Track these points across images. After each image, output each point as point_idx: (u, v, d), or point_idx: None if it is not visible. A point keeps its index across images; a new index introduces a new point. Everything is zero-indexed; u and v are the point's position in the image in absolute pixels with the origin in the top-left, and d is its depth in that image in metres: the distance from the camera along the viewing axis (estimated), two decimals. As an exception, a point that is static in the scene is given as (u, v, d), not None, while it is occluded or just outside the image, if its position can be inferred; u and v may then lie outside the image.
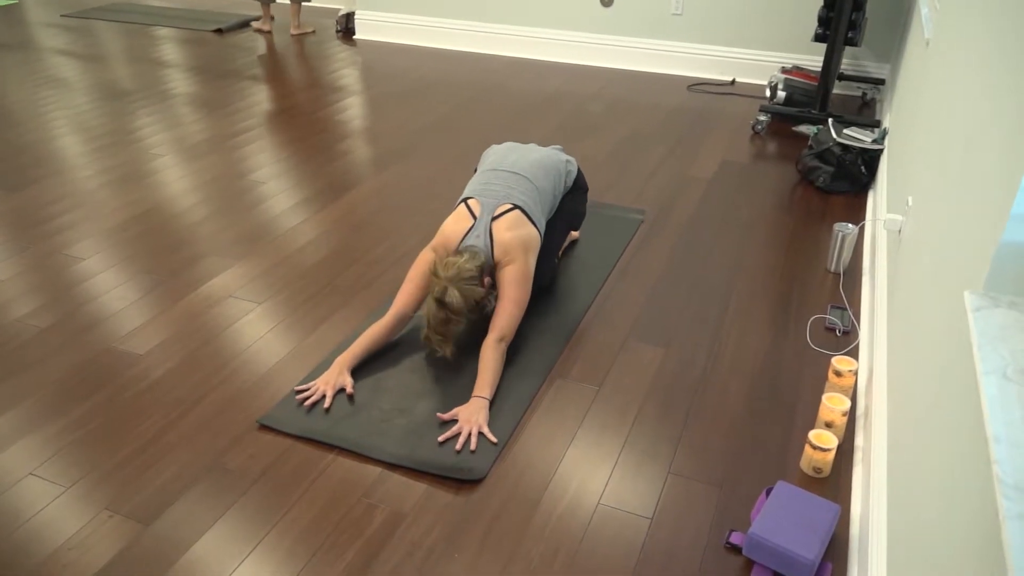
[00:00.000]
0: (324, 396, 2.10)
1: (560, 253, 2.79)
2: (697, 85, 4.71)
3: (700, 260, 2.81)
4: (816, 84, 4.03)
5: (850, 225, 2.66)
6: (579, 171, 2.64)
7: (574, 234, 2.92)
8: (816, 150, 3.39)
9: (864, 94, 4.39)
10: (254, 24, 5.81)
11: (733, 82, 4.73)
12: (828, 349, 2.32)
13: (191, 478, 1.85)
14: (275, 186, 3.36)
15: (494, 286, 2.25)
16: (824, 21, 3.77)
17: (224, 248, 2.85)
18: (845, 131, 3.38)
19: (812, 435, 1.83)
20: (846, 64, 4.52)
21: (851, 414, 2.02)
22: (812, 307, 2.53)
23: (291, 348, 2.32)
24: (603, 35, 4.99)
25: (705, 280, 2.68)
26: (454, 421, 2.03)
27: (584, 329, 2.41)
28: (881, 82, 4.34)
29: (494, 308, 2.25)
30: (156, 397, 2.11)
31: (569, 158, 2.61)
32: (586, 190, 2.65)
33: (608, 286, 2.64)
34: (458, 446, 1.94)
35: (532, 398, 2.12)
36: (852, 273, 2.73)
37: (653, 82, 4.74)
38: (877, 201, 3.02)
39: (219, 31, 5.81)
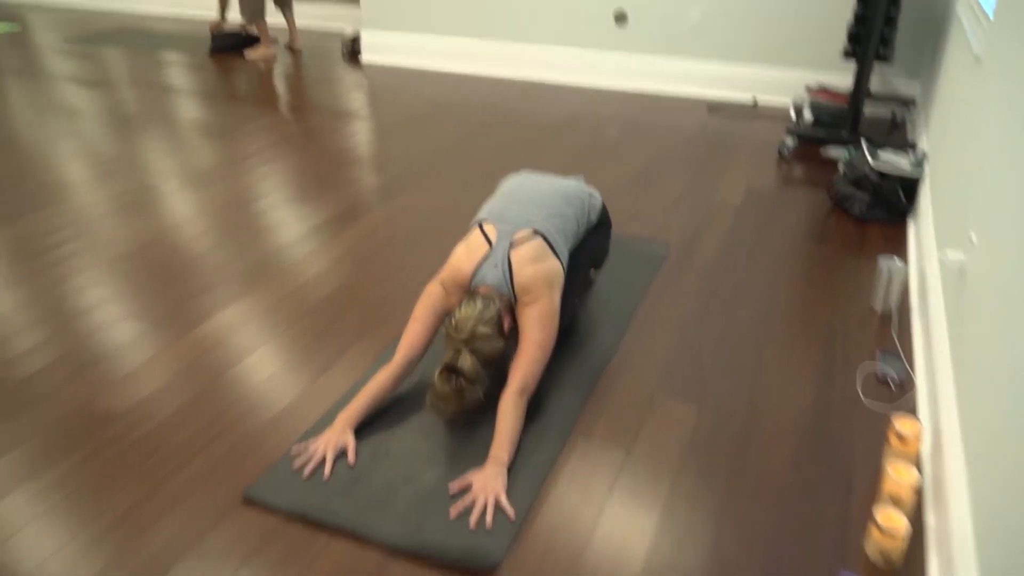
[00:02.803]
0: (324, 460, 1.88)
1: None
2: (718, 107, 4.49)
3: (731, 298, 2.57)
4: (844, 104, 3.81)
5: (898, 261, 2.43)
6: (603, 206, 2.42)
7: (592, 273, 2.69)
8: (850, 176, 3.16)
9: (894, 114, 4.16)
10: (251, 54, 5.61)
11: (755, 104, 4.52)
12: (883, 402, 2.08)
13: (169, 559, 1.62)
14: (280, 216, 3.15)
15: (514, 327, 2.01)
16: (854, 37, 3.56)
17: (228, 282, 2.64)
18: (881, 155, 3.15)
19: (879, 515, 1.59)
20: (873, 82, 4.30)
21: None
22: (859, 352, 2.29)
23: (290, 399, 2.10)
24: (618, 53, 4.79)
25: (737, 321, 2.45)
26: (466, 490, 1.80)
27: (608, 381, 2.18)
28: (912, 101, 4.12)
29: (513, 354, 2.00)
30: (141, 457, 1.89)
31: (593, 191, 2.39)
32: (610, 226, 2.44)
33: (632, 330, 2.41)
34: (473, 520, 1.71)
35: (552, 464, 1.89)
36: (901, 314, 2.49)
37: (671, 104, 4.53)
38: (921, 232, 2.79)
39: (214, 49, 5.65)
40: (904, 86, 4.29)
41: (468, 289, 2.04)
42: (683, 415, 2.06)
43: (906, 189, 3.06)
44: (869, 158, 3.12)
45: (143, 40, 6.10)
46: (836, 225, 3.07)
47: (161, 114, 4.38)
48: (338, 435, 1.92)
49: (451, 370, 1.86)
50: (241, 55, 5.64)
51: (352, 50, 5.60)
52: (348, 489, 1.81)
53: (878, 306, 2.49)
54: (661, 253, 2.86)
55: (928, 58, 4.10)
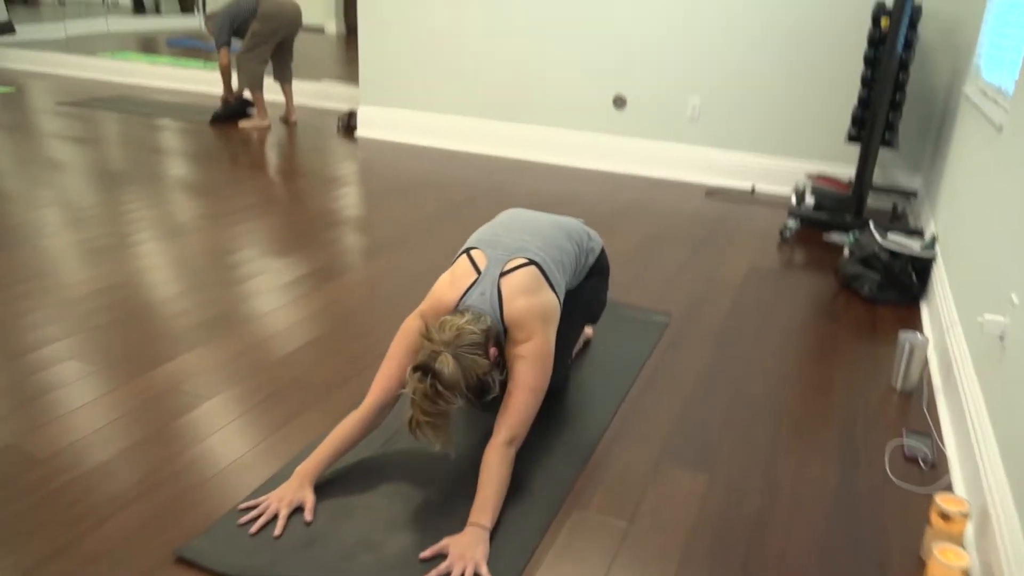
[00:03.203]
0: (276, 516, 1.61)
1: (574, 352, 2.35)
2: (716, 192, 4.42)
3: (738, 371, 2.37)
4: (846, 192, 3.72)
5: (919, 335, 2.25)
6: (603, 250, 2.21)
7: (588, 331, 2.49)
8: (858, 256, 3.02)
9: (895, 206, 4.09)
10: (244, 123, 5.56)
11: (753, 190, 4.45)
12: (914, 484, 1.85)
13: (72, 632, 1.34)
14: (255, 268, 2.95)
15: (502, 361, 1.76)
16: (858, 121, 3.50)
17: (190, 330, 2.41)
18: (889, 236, 3.03)
19: (927, 602, 1.34)
20: (875, 175, 4.24)
21: (962, 572, 1.54)
22: (881, 431, 2.08)
23: (239, 455, 1.84)
24: (615, 137, 4.76)
25: (746, 394, 2.24)
26: (441, 557, 1.54)
27: (605, 448, 1.95)
28: (913, 194, 4.05)
29: (497, 394, 1.72)
30: (64, 505, 1.61)
31: (592, 232, 2.18)
32: (608, 275, 2.23)
33: (632, 398, 2.19)
34: (445, 597, 1.44)
35: (542, 533, 1.63)
36: (922, 393, 2.29)
37: (668, 188, 4.45)
38: (937, 311, 2.62)
39: (214, 119, 5.60)
40: (906, 179, 4.23)
41: None
42: (691, 486, 1.81)
43: (917, 270, 2.91)
44: (878, 237, 2.99)
45: (138, 107, 6.06)
46: (845, 305, 2.91)
47: (145, 171, 4.24)
48: (294, 490, 1.66)
49: (425, 371, 1.56)
50: (235, 125, 5.58)
51: (348, 124, 5.56)
52: (301, 551, 1.54)
53: (897, 384, 2.29)
54: (662, 321, 2.67)
55: (930, 150, 4.06)
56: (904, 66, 3.36)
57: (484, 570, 1.50)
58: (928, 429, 2.09)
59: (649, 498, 1.76)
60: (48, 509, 1.63)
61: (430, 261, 3.14)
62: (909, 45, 3.33)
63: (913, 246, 2.94)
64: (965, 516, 1.53)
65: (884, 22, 3.45)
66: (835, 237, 3.65)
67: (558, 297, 1.86)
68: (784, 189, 4.45)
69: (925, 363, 2.36)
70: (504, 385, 1.75)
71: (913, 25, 3.31)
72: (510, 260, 1.82)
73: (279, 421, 1.99)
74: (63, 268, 2.87)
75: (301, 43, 6.06)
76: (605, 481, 1.82)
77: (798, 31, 4.18)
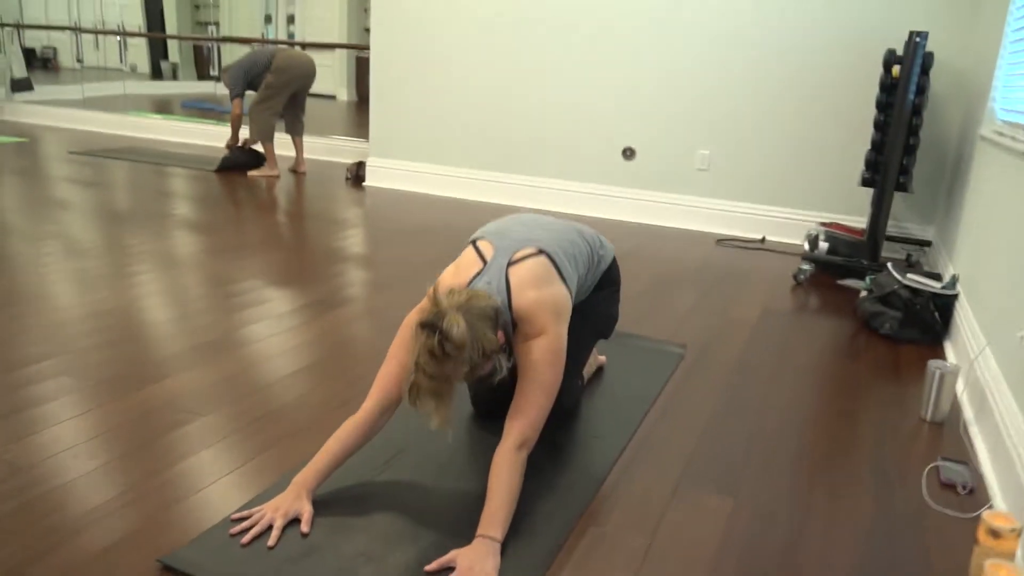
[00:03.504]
0: (271, 527, 1.49)
1: (586, 378, 2.26)
2: (726, 240, 4.37)
3: (758, 403, 2.26)
4: (859, 238, 3.67)
5: (948, 363, 2.15)
6: (615, 260, 2.10)
7: (601, 358, 2.40)
8: (878, 294, 2.94)
9: (909, 256, 4.03)
10: (254, 173, 5.58)
11: (763, 240, 4.40)
12: (954, 510, 1.73)
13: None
14: (255, 297, 2.88)
15: (509, 349, 1.63)
16: (872, 165, 3.48)
17: (183, 353, 2.32)
18: (909, 275, 2.95)
19: (984, 620, 1.21)
20: (887, 227, 4.20)
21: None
22: (916, 460, 1.96)
23: (227, 472, 1.73)
24: (623, 188, 4.74)
25: (768, 425, 2.12)
26: (448, 570, 1.41)
27: (620, 471, 1.83)
28: (927, 244, 4.00)
29: (503, 379, 1.59)
30: (42, 513, 1.50)
31: (604, 239, 2.07)
32: (619, 287, 2.12)
33: (648, 424, 2.08)
34: (451, 609, 1.32)
35: (557, 550, 1.51)
36: (952, 424, 2.18)
37: (677, 236, 4.41)
38: (964, 347, 2.53)
39: (220, 167, 5.62)
40: (919, 231, 4.19)
41: None
42: (716, 508, 1.69)
43: (939, 308, 2.83)
44: (898, 275, 2.92)
45: (148, 156, 6.09)
46: (866, 344, 2.81)
47: (151, 211, 4.21)
48: (291, 501, 1.55)
49: (433, 328, 1.43)
50: (245, 174, 5.60)
51: (357, 175, 5.57)
52: (296, 562, 1.42)
53: (927, 415, 2.18)
54: (678, 352, 2.57)
55: (943, 200, 4.03)
56: (917, 111, 3.35)
57: (495, 584, 1.37)
58: (964, 456, 1.97)
59: (670, 519, 1.64)
60: (24, 518, 1.51)
61: (437, 295, 3.06)
62: (922, 90, 3.33)
63: (934, 284, 2.87)
64: (1017, 533, 1.41)
65: (895, 71, 3.47)
66: (850, 282, 3.58)
67: (570, 292, 1.75)
68: (795, 240, 4.40)
69: (955, 394, 2.25)
70: (513, 372, 1.64)
71: (925, 71, 3.32)
72: (519, 250, 1.72)
73: (271, 440, 1.88)
74: (59, 292, 2.80)
75: (314, 108, 6.14)
76: (622, 502, 1.70)
77: (807, 82, 4.21)
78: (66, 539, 1.45)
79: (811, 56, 4.17)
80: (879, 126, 3.48)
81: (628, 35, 4.53)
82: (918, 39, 3.17)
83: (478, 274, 1.68)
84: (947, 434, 2.12)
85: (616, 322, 2.12)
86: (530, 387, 1.61)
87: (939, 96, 3.99)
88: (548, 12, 4.68)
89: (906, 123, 3.28)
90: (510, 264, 1.68)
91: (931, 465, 1.91)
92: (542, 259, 1.71)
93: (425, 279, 3.27)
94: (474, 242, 1.77)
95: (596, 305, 2.02)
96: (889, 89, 3.43)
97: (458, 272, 1.72)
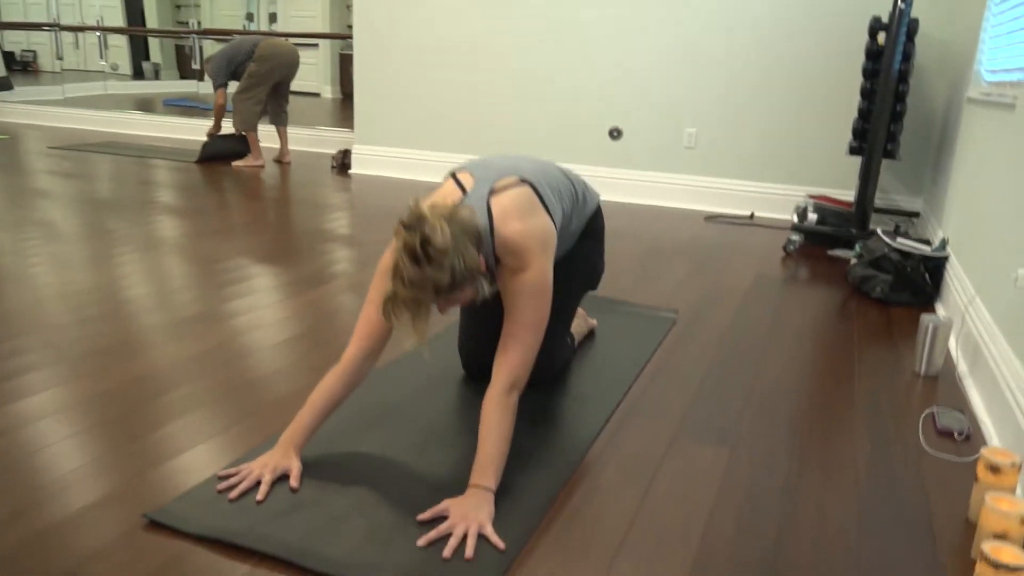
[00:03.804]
0: (259, 484, 1.46)
1: (577, 341, 2.23)
2: (715, 217, 4.36)
3: (752, 360, 2.25)
4: (848, 209, 3.67)
5: (941, 315, 2.14)
6: (599, 208, 2.01)
7: (592, 321, 2.37)
8: (868, 258, 2.93)
9: (897, 226, 4.02)
10: (238, 163, 5.52)
11: (752, 216, 4.39)
12: (951, 455, 1.71)
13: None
14: (241, 274, 2.84)
15: (491, 278, 1.53)
16: (859, 133, 3.47)
17: (164, 326, 2.28)
18: (899, 240, 2.95)
19: (987, 548, 1.19)
20: (875, 199, 4.20)
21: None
22: (911, 410, 1.94)
23: (210, 436, 1.69)
24: (611, 169, 4.72)
25: (762, 382, 2.10)
26: (440, 519, 1.38)
27: (614, 428, 1.80)
28: (915, 215, 4.00)
29: (487, 297, 1.49)
30: (14, 478, 1.46)
31: (589, 184, 2.00)
32: (603, 237, 2.04)
33: (640, 384, 2.06)
34: (447, 551, 1.28)
35: (551, 500, 1.48)
36: (946, 377, 2.17)
37: (666, 214, 4.39)
38: (956, 305, 2.52)
39: (201, 159, 5.55)
40: (906, 203, 4.19)
41: None
42: (712, 460, 1.67)
43: (930, 271, 2.82)
44: (888, 240, 2.91)
45: (129, 150, 6.03)
46: (857, 308, 2.80)
47: (133, 199, 4.16)
48: (279, 458, 1.52)
49: (415, 229, 1.35)
50: (229, 164, 5.54)
51: (342, 163, 5.52)
52: (285, 515, 1.38)
53: (921, 369, 2.17)
54: (670, 317, 2.55)
55: (931, 171, 4.03)
56: (903, 78, 3.35)
57: (489, 530, 1.34)
58: (959, 405, 1.96)
59: (666, 469, 1.62)
60: (5, 478, 1.47)
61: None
62: (907, 57, 3.33)
63: (924, 248, 2.86)
64: (1016, 467, 1.40)
65: (881, 39, 3.46)
66: (840, 252, 3.57)
67: (555, 223, 1.66)
68: (784, 215, 4.39)
69: (948, 348, 2.24)
70: (497, 297, 1.58)
71: (911, 37, 3.31)
72: (501, 179, 1.63)
73: (257, 406, 1.85)
74: (40, 273, 2.75)
75: (299, 105, 6.09)
76: (617, 455, 1.67)
77: (792, 56, 4.20)
78: (49, 497, 1.41)
79: (795, 29, 4.16)
80: (865, 94, 3.47)
81: (611, 15, 4.51)
82: (903, 4, 3.17)
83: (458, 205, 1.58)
84: (942, 387, 2.10)
85: (602, 274, 2.06)
86: (517, 326, 1.54)
87: (924, 68, 3.99)
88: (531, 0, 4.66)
89: (892, 89, 3.28)
90: (492, 193, 1.60)
91: (927, 411, 1.90)
92: (525, 189, 1.63)
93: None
94: (453, 174, 1.68)
95: (581, 256, 1.97)
96: (875, 57, 3.42)
97: (436, 200, 1.61)
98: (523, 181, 1.64)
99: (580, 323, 2.27)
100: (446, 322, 2.43)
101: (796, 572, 1.30)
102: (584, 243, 1.98)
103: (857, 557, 1.35)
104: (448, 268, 1.37)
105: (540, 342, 1.57)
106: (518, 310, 1.55)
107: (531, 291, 1.55)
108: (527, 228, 1.57)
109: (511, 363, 1.52)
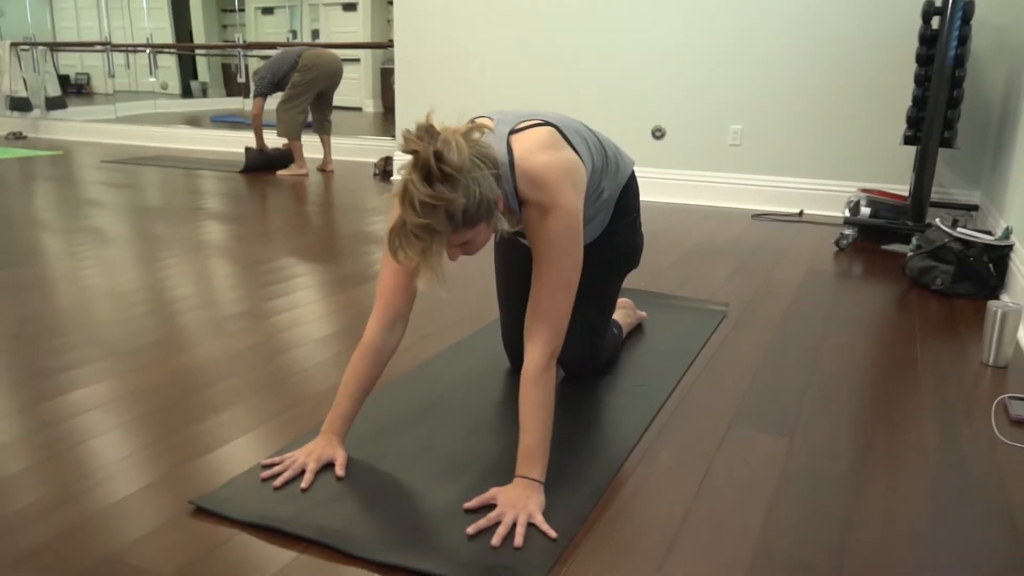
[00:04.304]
0: (303, 472, 1.43)
1: (625, 332, 2.16)
2: (763, 214, 4.26)
3: (809, 351, 2.16)
4: (902, 202, 3.54)
5: (1011, 302, 2.03)
6: (633, 175, 1.83)
7: (641, 314, 2.31)
8: (927, 249, 2.82)
9: (955, 221, 3.87)
10: (282, 172, 5.59)
11: (801, 213, 4.28)
12: (1027, 443, 1.62)
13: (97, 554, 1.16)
14: (285, 274, 2.84)
15: (515, 218, 1.42)
16: (914, 122, 3.36)
17: (209, 322, 2.28)
18: (959, 228, 2.83)
19: (1077, 533, 1.11)
20: (931, 194, 4.06)
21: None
22: (980, 400, 1.85)
23: (254, 427, 1.67)
24: (654, 169, 4.65)
25: (821, 369, 2.02)
26: (487, 508, 1.34)
27: (667, 416, 1.74)
28: (974, 208, 3.85)
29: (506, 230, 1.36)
30: (64, 466, 1.46)
31: (622, 150, 1.85)
32: (639, 213, 1.87)
33: (692, 373, 1.99)
34: (495, 540, 1.24)
35: (603, 489, 1.43)
36: (1017, 368, 2.06)
37: (711, 213, 4.30)
38: (1022, 299, 2.40)
39: (246, 168, 5.63)
40: (964, 195, 4.04)
41: None
42: (771, 448, 1.60)
43: (994, 260, 2.70)
44: (948, 229, 2.80)
45: (178, 162, 6.15)
46: (917, 299, 2.69)
47: (181, 206, 4.22)
48: (323, 447, 1.49)
49: (428, 140, 1.21)
50: (273, 174, 5.61)
51: (385, 170, 5.55)
52: (331, 503, 1.36)
53: (989, 359, 2.06)
54: (720, 310, 2.48)
55: (990, 160, 3.88)
56: (960, 63, 3.23)
57: (540, 519, 1.30)
58: (1034, 396, 1.86)
59: (722, 458, 1.55)
60: (56, 466, 1.47)
61: (463, 273, 3.01)
62: (963, 40, 3.21)
63: (986, 237, 2.74)
64: (1105, 451, 1.30)
65: (935, 23, 3.35)
66: (895, 247, 3.46)
67: (584, 164, 1.50)
68: (834, 212, 4.27)
69: (1018, 338, 2.13)
70: (523, 235, 1.44)
71: (967, 20, 3.19)
72: (522, 121, 1.48)
73: (300, 397, 1.83)
74: (91, 275, 2.79)
75: (341, 118, 6.13)
76: (670, 444, 1.61)
77: (839, 47, 4.09)
78: (97, 484, 1.41)
79: (842, 19, 4.06)
80: (920, 80, 3.35)
81: (652, 13, 4.46)
82: (957, -13, 3.06)
83: None
84: (1012, 377, 2.00)
85: (641, 251, 1.92)
86: (549, 286, 1.38)
87: (980, 55, 3.85)
88: (571, -7, 4.63)
89: (949, 75, 3.16)
90: (512, 133, 1.45)
91: (999, 399, 1.80)
92: (549, 129, 1.48)
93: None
94: (472, 120, 1.48)
95: (618, 236, 1.82)
96: (929, 42, 3.31)
97: None
98: (546, 123, 1.49)
99: (628, 314, 2.21)
100: (489, 317, 2.40)
101: (866, 561, 1.23)
102: (618, 223, 1.81)
103: (932, 544, 1.27)
104: (464, 190, 1.23)
105: (572, 304, 1.42)
106: (549, 264, 1.39)
107: (561, 233, 1.38)
108: (552, 159, 1.42)
109: (546, 333, 1.38)
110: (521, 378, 1.39)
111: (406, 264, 1.26)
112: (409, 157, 1.23)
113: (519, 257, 1.85)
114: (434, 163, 1.19)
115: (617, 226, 1.81)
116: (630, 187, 1.82)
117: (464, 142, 1.24)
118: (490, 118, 1.51)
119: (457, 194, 1.22)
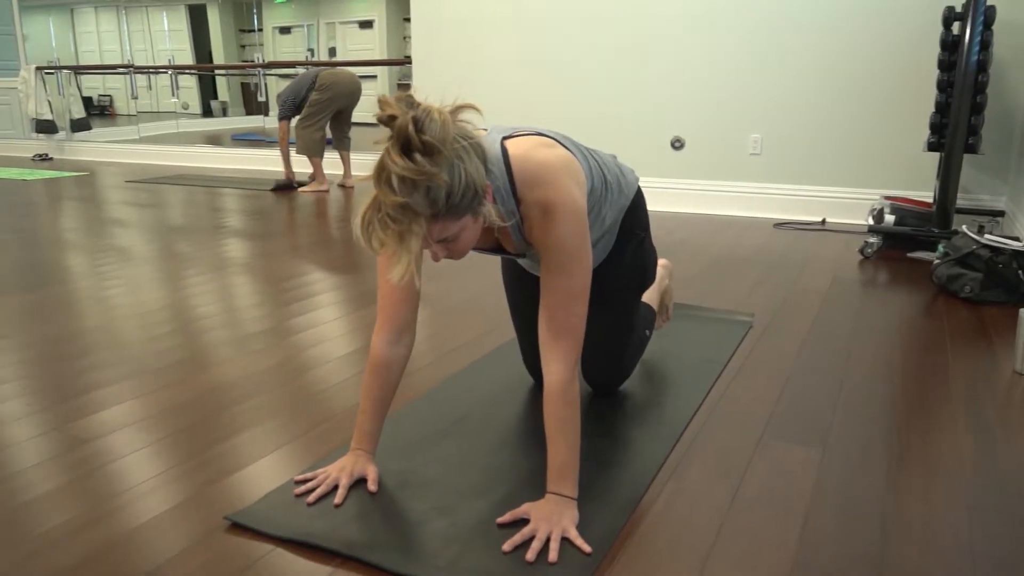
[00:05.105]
0: (336, 487, 1.44)
1: (648, 328, 2.01)
2: (784, 224, 4.23)
3: (838, 361, 2.14)
4: (927, 209, 3.51)
5: (1043, 308, 2.01)
6: (640, 191, 1.75)
7: (663, 261, 2.19)
8: (955, 256, 2.79)
9: (981, 227, 3.83)
10: (303, 189, 5.63)
11: (824, 221, 4.25)
12: (1067, 452, 1.59)
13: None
14: (308, 291, 2.86)
15: (507, 209, 1.35)
16: (937, 128, 3.33)
17: (236, 340, 2.30)
18: (987, 236, 2.80)
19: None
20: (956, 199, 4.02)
21: None
22: (1016, 410, 1.82)
23: (283, 444, 1.68)
24: (674, 180, 4.64)
25: (851, 378, 2.00)
26: (521, 523, 1.33)
27: (696, 427, 1.73)
28: (1000, 214, 3.81)
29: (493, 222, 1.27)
30: (98, 484, 1.47)
31: (625, 167, 1.76)
32: (648, 231, 1.77)
33: (722, 384, 1.98)
34: (530, 555, 1.23)
35: (636, 501, 1.42)
36: (1053, 375, 2.03)
37: (733, 223, 4.28)
38: (1055, 301, 2.37)
39: (276, 187, 5.67)
40: (990, 201, 4.00)
41: None
42: (803, 459, 1.58)
43: (1023, 268, 2.67)
44: (975, 236, 2.77)
45: (201, 181, 6.21)
46: (945, 307, 2.66)
47: (204, 224, 4.26)
48: (355, 462, 1.49)
49: (408, 109, 1.12)
50: (295, 191, 5.65)
51: (403, 185, 5.57)
52: (365, 517, 1.36)
53: (1021, 367, 2.03)
54: (747, 321, 2.46)
55: (1015, 164, 3.84)
56: (983, 68, 3.20)
57: (574, 533, 1.29)
58: (1070, 404, 1.83)
59: (755, 469, 1.54)
60: (90, 484, 1.49)
61: (479, 288, 3.01)
62: (986, 45, 3.19)
63: (1015, 244, 2.71)
64: None
65: (956, 29, 3.33)
66: (921, 254, 3.42)
67: (581, 166, 1.44)
68: (858, 220, 4.24)
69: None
70: (519, 229, 1.38)
71: (988, 25, 3.17)
72: (517, 131, 1.44)
73: (328, 414, 1.83)
74: (117, 294, 2.82)
75: (360, 134, 6.18)
76: (702, 455, 1.60)
77: (859, 54, 4.08)
78: (132, 500, 1.42)
79: (861, 26, 4.04)
80: (943, 86, 3.33)
81: (670, 23, 4.46)
82: (979, -8, 3.04)
83: None
84: (1048, 384, 1.97)
85: (655, 265, 1.83)
86: (559, 296, 1.32)
87: (1003, 61, 3.82)
88: (587, 9, 4.64)
89: (971, 80, 3.14)
90: (506, 138, 1.39)
91: (1036, 409, 1.78)
92: (544, 137, 1.43)
93: (472, 268, 3.22)
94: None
95: (626, 259, 1.73)
96: (951, 47, 3.29)
97: None
98: (540, 134, 1.45)
99: (664, 277, 2.13)
100: (510, 334, 2.40)
101: (906, 570, 1.21)
102: (625, 246, 1.72)
103: (972, 553, 1.25)
104: (448, 168, 1.12)
105: (587, 309, 1.35)
106: (560, 272, 1.32)
107: (568, 236, 1.31)
108: (549, 155, 1.36)
109: (565, 345, 1.32)
110: (544, 395, 1.36)
111: (380, 252, 1.16)
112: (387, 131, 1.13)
113: (528, 272, 1.83)
114: (413, 131, 1.09)
115: (624, 249, 1.73)
116: (637, 205, 1.74)
117: (449, 117, 1.14)
118: (483, 129, 1.43)
119: (439, 170, 1.11)
